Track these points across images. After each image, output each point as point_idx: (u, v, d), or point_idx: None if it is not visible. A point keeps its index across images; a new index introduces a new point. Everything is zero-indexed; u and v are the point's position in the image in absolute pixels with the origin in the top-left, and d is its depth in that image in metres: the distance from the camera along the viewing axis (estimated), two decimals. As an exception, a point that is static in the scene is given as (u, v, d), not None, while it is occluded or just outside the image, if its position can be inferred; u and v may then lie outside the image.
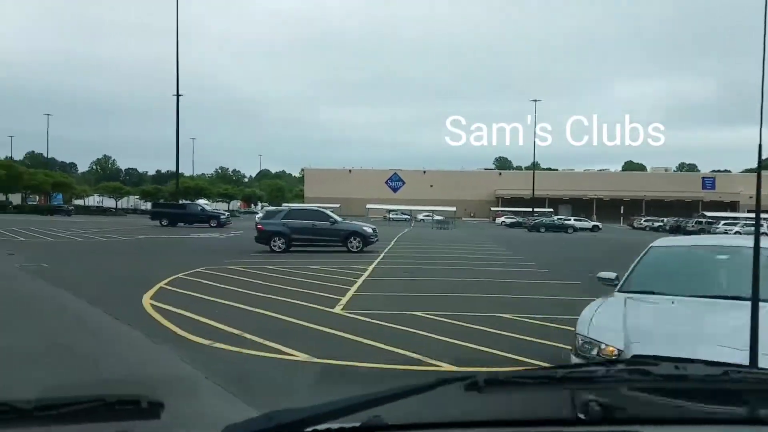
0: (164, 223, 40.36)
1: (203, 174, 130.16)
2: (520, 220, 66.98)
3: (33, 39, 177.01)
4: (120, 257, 18.97)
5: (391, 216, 70.90)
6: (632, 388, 1.29)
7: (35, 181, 79.24)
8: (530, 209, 73.76)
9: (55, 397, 1.02)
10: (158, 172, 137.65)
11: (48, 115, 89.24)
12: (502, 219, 70.99)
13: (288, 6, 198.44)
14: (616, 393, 1.28)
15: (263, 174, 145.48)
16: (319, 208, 23.89)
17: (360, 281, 12.96)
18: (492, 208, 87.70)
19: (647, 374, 1.20)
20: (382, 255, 20.00)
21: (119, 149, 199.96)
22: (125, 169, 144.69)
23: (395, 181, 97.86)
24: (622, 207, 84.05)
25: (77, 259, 18.13)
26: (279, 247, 20.67)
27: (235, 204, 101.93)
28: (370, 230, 21.98)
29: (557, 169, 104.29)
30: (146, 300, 9.97)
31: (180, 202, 49.44)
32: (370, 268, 15.86)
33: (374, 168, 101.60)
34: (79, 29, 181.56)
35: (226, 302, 9.84)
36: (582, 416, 1.22)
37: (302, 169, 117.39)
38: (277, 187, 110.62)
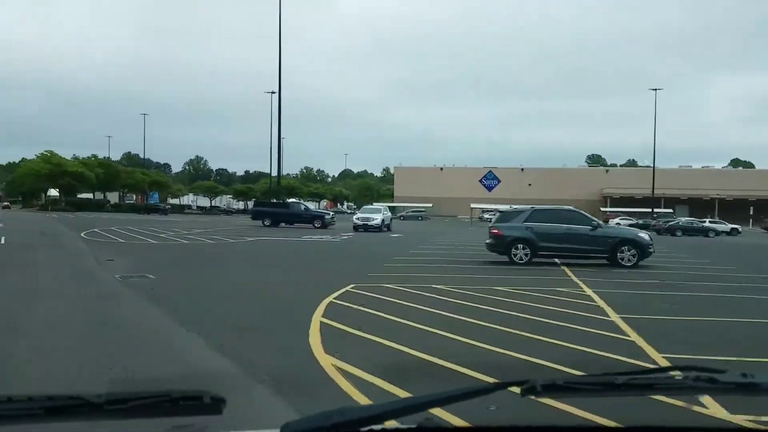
0: (266, 223, 37.60)
1: (288, 174, 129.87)
2: (638, 221, 60.26)
3: (127, 45, 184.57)
4: (238, 266, 15.56)
5: (487, 216, 65.45)
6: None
7: (132, 179, 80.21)
8: (644, 209, 67.01)
9: (124, 392, 1.05)
10: (246, 172, 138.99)
11: (144, 114, 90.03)
12: (617, 220, 64.27)
13: (372, 6, 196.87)
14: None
15: (345, 173, 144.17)
16: (573, 208, 18.23)
17: (617, 319, 8.38)
18: (601, 209, 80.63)
19: (713, 382, 1.13)
20: (565, 269, 15.35)
21: (209, 150, 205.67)
22: (216, 170, 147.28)
23: (490, 180, 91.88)
24: (751, 208, 74.87)
25: (188, 268, 14.84)
26: (522, 258, 16.36)
27: (322, 204, 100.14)
28: (647, 237, 16.93)
29: (649, 167, 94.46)
30: (319, 354, 6.07)
31: (281, 201, 46.92)
32: (590, 292, 10.99)
33: (466, 166, 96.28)
34: (173, 35, 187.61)
35: (447, 365, 5.72)
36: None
37: (384, 168, 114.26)
38: (365, 185, 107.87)
